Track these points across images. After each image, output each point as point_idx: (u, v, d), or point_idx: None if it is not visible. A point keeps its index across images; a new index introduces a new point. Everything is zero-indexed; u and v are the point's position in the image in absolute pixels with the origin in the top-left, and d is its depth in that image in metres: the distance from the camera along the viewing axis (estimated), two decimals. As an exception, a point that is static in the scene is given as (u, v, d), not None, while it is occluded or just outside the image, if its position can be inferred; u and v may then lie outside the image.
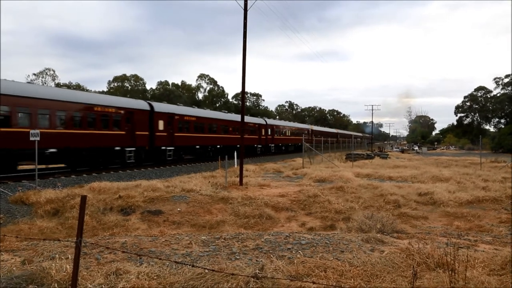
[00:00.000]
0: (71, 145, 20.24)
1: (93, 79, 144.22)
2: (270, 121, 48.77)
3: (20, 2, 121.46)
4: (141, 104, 26.33)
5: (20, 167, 19.42)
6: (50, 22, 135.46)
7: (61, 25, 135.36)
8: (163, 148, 27.06)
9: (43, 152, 18.05)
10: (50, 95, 19.86)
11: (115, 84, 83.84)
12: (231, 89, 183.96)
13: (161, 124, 26.77)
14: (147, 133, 25.64)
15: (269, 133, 45.50)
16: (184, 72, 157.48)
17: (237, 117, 37.92)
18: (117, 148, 23.30)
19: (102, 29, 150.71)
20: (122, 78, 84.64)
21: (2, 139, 16.60)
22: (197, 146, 31.48)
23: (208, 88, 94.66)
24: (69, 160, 21.01)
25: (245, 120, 34.44)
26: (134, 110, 24.85)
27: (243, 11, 17.08)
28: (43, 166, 20.67)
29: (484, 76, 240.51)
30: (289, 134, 50.60)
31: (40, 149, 15.95)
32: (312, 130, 62.72)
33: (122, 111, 23.86)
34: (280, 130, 50.00)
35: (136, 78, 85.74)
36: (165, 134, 27.07)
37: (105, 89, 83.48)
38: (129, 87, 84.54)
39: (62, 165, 21.75)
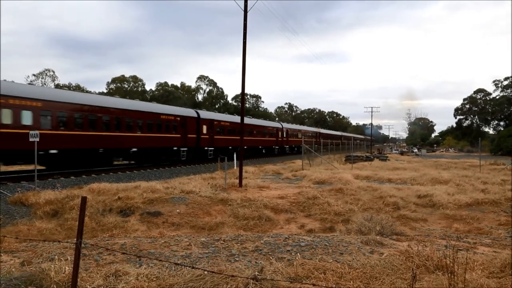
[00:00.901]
0: (145, 145, 25.77)
1: (93, 79, 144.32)
2: (285, 125, 54.26)
3: (20, 2, 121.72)
4: (191, 112, 31.97)
5: (115, 162, 25.14)
6: (50, 22, 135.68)
7: (61, 25, 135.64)
8: (206, 148, 32.58)
9: (129, 151, 24.43)
10: (134, 106, 26.34)
11: (114, 86, 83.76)
12: (231, 90, 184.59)
13: (204, 129, 32.24)
14: (195, 136, 31.11)
15: (285, 136, 50.56)
16: (183, 73, 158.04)
17: (259, 122, 47.01)
18: (175, 148, 28.82)
19: (102, 29, 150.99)
20: (121, 79, 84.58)
21: (105, 141, 22.57)
22: (230, 147, 35.67)
23: (207, 90, 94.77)
24: (143, 158, 26.16)
25: (266, 125, 45.25)
26: (186, 117, 30.31)
27: (243, 12, 17.10)
28: (127, 162, 26.46)
29: (484, 78, 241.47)
30: (300, 137, 54.38)
31: (127, 148, 24.00)
32: (320, 133, 68.14)
33: (178, 118, 29.36)
34: (293, 133, 54.75)
35: (135, 79, 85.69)
36: (207, 137, 32.55)
37: (104, 90, 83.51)
38: (128, 88, 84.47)
39: (133, 162, 26.58)
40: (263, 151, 45.34)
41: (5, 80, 19.26)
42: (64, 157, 20.21)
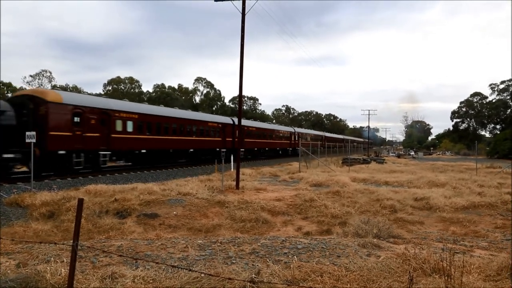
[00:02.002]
0: (199, 147, 31.82)
1: (92, 81, 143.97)
2: (297, 129, 61.43)
3: (21, 2, 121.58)
4: (228, 120, 38.67)
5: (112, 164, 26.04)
6: (50, 23, 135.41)
7: (61, 26, 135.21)
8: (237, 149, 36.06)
9: (188, 151, 30.60)
10: (192, 116, 32.94)
11: (110, 88, 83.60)
12: (229, 92, 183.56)
13: (237, 134, 36.93)
14: (231, 139, 37.46)
15: (296, 139, 55.86)
16: (182, 74, 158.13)
17: (277, 127, 55.27)
18: (217, 149, 34.89)
19: (102, 31, 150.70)
20: (117, 81, 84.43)
21: (174, 143, 28.54)
22: (255, 149, 43.41)
23: (205, 92, 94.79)
24: (197, 157, 31.73)
25: (282, 129, 54.89)
26: (225, 124, 37.03)
27: (241, 15, 17.12)
28: (184, 160, 31.07)
29: (481, 82, 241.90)
30: (309, 140, 60.30)
31: (187, 149, 30.15)
32: (325, 136, 74.24)
33: (220, 125, 35.83)
34: (303, 136, 59.88)
35: (131, 80, 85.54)
36: (239, 140, 34.74)
37: (101, 92, 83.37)
38: (125, 90, 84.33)
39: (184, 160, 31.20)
40: (280, 152, 52.52)
41: (113, 99, 26.21)
42: (148, 155, 25.95)
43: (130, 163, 26.00)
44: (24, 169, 19.80)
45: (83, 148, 20.44)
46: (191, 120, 31.60)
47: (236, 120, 38.06)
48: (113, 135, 22.56)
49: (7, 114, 17.40)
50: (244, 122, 41.75)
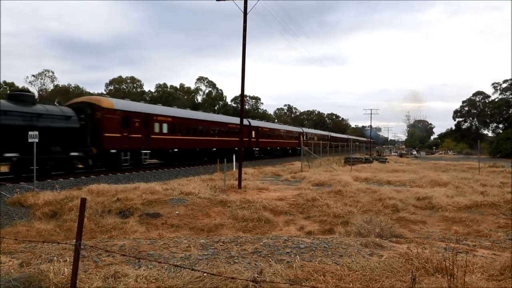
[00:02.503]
0: (220, 146, 34.75)
1: (94, 81, 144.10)
2: (305, 130, 65.14)
3: (22, 3, 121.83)
4: (245, 122, 39.99)
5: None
6: (51, 24, 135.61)
7: (63, 27, 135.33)
8: (253, 148, 42.08)
9: (211, 150, 33.52)
10: (214, 118, 36.61)
11: (112, 87, 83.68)
12: (231, 92, 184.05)
13: (253, 134, 41.80)
14: (247, 139, 39.53)
15: (305, 139, 57.38)
16: (184, 74, 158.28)
17: (288, 127, 59.11)
18: (236, 148, 35.45)
19: (103, 31, 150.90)
20: (119, 81, 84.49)
21: (200, 143, 31.93)
22: (268, 148, 46.88)
23: (206, 91, 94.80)
24: (219, 156, 31.28)
25: (292, 130, 58.56)
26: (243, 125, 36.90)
27: (243, 14, 17.12)
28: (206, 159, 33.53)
29: (483, 81, 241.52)
30: (316, 139, 63.35)
31: (211, 148, 33.23)
32: (330, 136, 76.89)
33: (238, 126, 37.66)
34: (311, 136, 63.28)
35: (132, 80, 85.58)
36: (254, 140, 42.14)
37: (103, 92, 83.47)
38: (126, 89, 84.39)
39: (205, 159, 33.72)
40: (290, 151, 55.11)
41: (151, 104, 30.61)
42: (179, 154, 28.94)
43: (162, 161, 28.86)
44: (80, 166, 21.99)
45: (129, 147, 23.46)
46: (214, 122, 35.02)
47: (252, 121, 43.66)
48: (152, 136, 25.56)
49: (72, 118, 20.03)
50: (259, 123, 46.64)
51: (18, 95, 18.53)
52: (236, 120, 39.32)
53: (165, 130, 26.99)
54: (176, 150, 28.21)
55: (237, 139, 36.37)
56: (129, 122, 23.40)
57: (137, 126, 24.11)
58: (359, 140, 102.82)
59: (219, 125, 35.45)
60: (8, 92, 20.26)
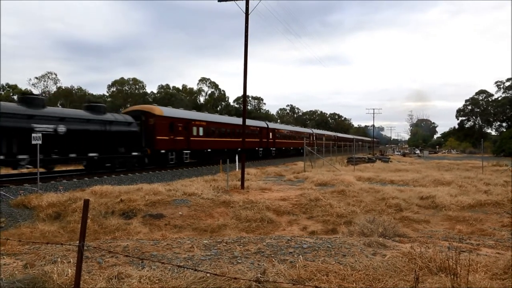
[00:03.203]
0: (241, 146, 37.76)
1: (96, 82, 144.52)
2: (314, 131, 69.58)
3: (25, 4, 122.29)
4: (264, 124, 45.93)
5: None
6: (54, 25, 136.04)
7: (65, 28, 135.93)
8: (271, 148, 46.37)
9: (236, 150, 34.05)
10: (239, 121, 35.46)
11: (114, 88, 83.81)
12: (234, 92, 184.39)
13: (270, 135, 46.05)
14: (266, 140, 44.58)
15: (314, 139, 62.70)
16: (186, 75, 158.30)
17: (300, 129, 63.53)
18: (256, 148, 42.16)
19: (106, 32, 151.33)
20: (121, 82, 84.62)
21: (228, 144, 35.40)
22: (283, 148, 50.82)
23: (209, 92, 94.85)
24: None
25: (303, 131, 61.84)
26: (262, 127, 44.15)
27: (245, 15, 17.13)
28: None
29: (485, 80, 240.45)
30: (324, 139, 65.99)
31: (236, 149, 34.39)
32: (337, 136, 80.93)
33: (258, 128, 43.03)
34: (320, 137, 66.97)
35: (135, 81, 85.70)
36: (272, 140, 46.44)
37: (105, 93, 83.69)
38: (129, 90, 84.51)
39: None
40: (301, 151, 59.13)
41: (191, 111, 34.69)
42: (211, 154, 32.56)
43: (195, 160, 31.62)
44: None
45: (174, 148, 27.24)
46: (239, 125, 37.03)
47: (270, 124, 48.47)
48: (191, 138, 29.34)
49: (132, 124, 24.03)
50: (275, 125, 51.69)
51: (94, 106, 22.48)
52: (256, 123, 45.23)
53: (201, 133, 30.97)
54: (209, 150, 32.11)
55: (257, 140, 42.16)
56: (174, 126, 27.07)
57: (180, 130, 27.93)
58: (364, 140, 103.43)
59: (241, 128, 37.16)
60: (85, 104, 23.69)
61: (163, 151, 25.96)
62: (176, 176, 22.49)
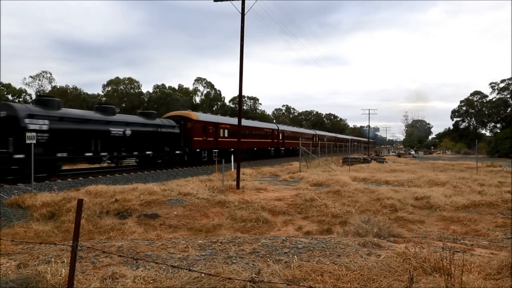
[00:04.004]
0: (260, 146, 43.28)
1: (94, 82, 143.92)
2: (317, 132, 73.03)
3: (26, 5, 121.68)
4: (275, 126, 51.35)
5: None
6: (54, 25, 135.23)
7: (65, 28, 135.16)
8: (280, 148, 50.53)
9: (253, 149, 41.06)
10: (257, 124, 45.16)
11: (110, 88, 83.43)
12: (231, 92, 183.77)
13: (280, 136, 50.57)
14: (276, 140, 48.83)
15: (317, 140, 66.50)
16: (184, 75, 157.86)
17: (304, 130, 66.83)
18: (269, 148, 46.71)
19: (106, 33, 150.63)
20: (116, 82, 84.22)
21: (249, 144, 39.42)
22: (290, 148, 54.20)
23: (205, 92, 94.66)
24: (259, 154, 42.48)
25: (307, 132, 66.04)
26: (273, 129, 48.87)
27: (240, 15, 17.12)
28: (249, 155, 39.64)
29: (481, 81, 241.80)
30: (325, 140, 72.18)
31: (252, 148, 40.39)
32: (337, 137, 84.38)
33: (270, 130, 47.59)
34: (322, 138, 71.09)
35: (130, 81, 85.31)
36: (281, 141, 50.95)
37: (100, 93, 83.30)
38: (124, 90, 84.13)
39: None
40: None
41: (220, 116, 41.39)
42: (233, 153, 33.74)
43: (221, 158, 35.57)
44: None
45: (206, 147, 31.99)
46: (255, 127, 43.87)
47: (280, 126, 54.28)
48: (219, 139, 33.89)
49: (175, 127, 28.70)
50: (284, 127, 56.52)
51: (147, 112, 27.42)
52: (269, 125, 50.86)
53: (226, 134, 35.38)
54: (232, 149, 35.55)
55: (270, 140, 46.92)
56: (206, 129, 31.75)
57: (211, 132, 32.61)
58: (361, 141, 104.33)
59: (259, 130, 44.16)
60: (139, 110, 29.23)
61: (198, 150, 30.84)
62: (171, 176, 22.44)
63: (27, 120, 17.19)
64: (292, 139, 54.54)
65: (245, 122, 41.16)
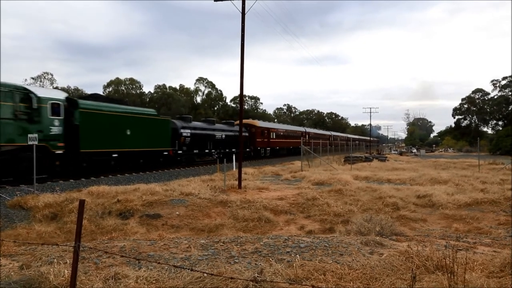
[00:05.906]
0: (290, 146, 52.83)
1: (96, 83, 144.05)
2: (333, 133, 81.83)
3: (28, 5, 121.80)
4: (302, 129, 61.43)
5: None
6: (56, 26, 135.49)
7: (67, 29, 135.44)
8: (306, 147, 57.67)
9: (289, 148, 52.73)
10: (290, 127, 60.05)
11: (111, 89, 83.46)
12: (232, 92, 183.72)
13: (307, 137, 55.80)
14: (303, 140, 54.49)
15: (333, 139, 72.73)
16: (186, 75, 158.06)
17: (322, 131, 73.51)
18: (298, 147, 50.78)
19: (108, 33, 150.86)
20: (117, 82, 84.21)
21: (284, 144, 51.51)
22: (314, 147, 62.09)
23: (206, 91, 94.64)
24: (291, 152, 52.12)
25: (325, 133, 75.37)
26: (301, 131, 57.95)
27: (241, 15, 17.12)
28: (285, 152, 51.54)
29: (482, 79, 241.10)
30: (338, 140, 77.17)
31: (288, 147, 52.89)
32: (348, 137, 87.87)
33: (299, 132, 56.92)
34: (336, 138, 77.10)
35: (131, 81, 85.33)
36: (308, 141, 53.32)
37: (101, 93, 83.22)
38: (125, 91, 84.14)
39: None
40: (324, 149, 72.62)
41: (271, 122, 60.46)
42: (279, 150, 49.09)
43: (270, 155, 46.67)
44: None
45: (263, 146, 43.81)
46: (290, 130, 55.49)
47: (307, 129, 64.49)
48: (270, 140, 45.67)
49: (245, 132, 39.03)
50: (310, 130, 65.77)
51: (228, 122, 40.22)
52: (297, 128, 62.20)
53: (274, 137, 47.08)
54: (277, 148, 48.24)
55: (299, 140, 52.47)
56: (263, 133, 44.04)
57: (266, 135, 44.78)
58: (365, 140, 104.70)
59: (292, 132, 55.50)
60: (223, 121, 42.07)
61: (259, 148, 43.14)
62: (173, 176, 22.44)
63: (181, 130, 29.05)
64: (315, 139, 59.69)
65: (280, 126, 55.79)
